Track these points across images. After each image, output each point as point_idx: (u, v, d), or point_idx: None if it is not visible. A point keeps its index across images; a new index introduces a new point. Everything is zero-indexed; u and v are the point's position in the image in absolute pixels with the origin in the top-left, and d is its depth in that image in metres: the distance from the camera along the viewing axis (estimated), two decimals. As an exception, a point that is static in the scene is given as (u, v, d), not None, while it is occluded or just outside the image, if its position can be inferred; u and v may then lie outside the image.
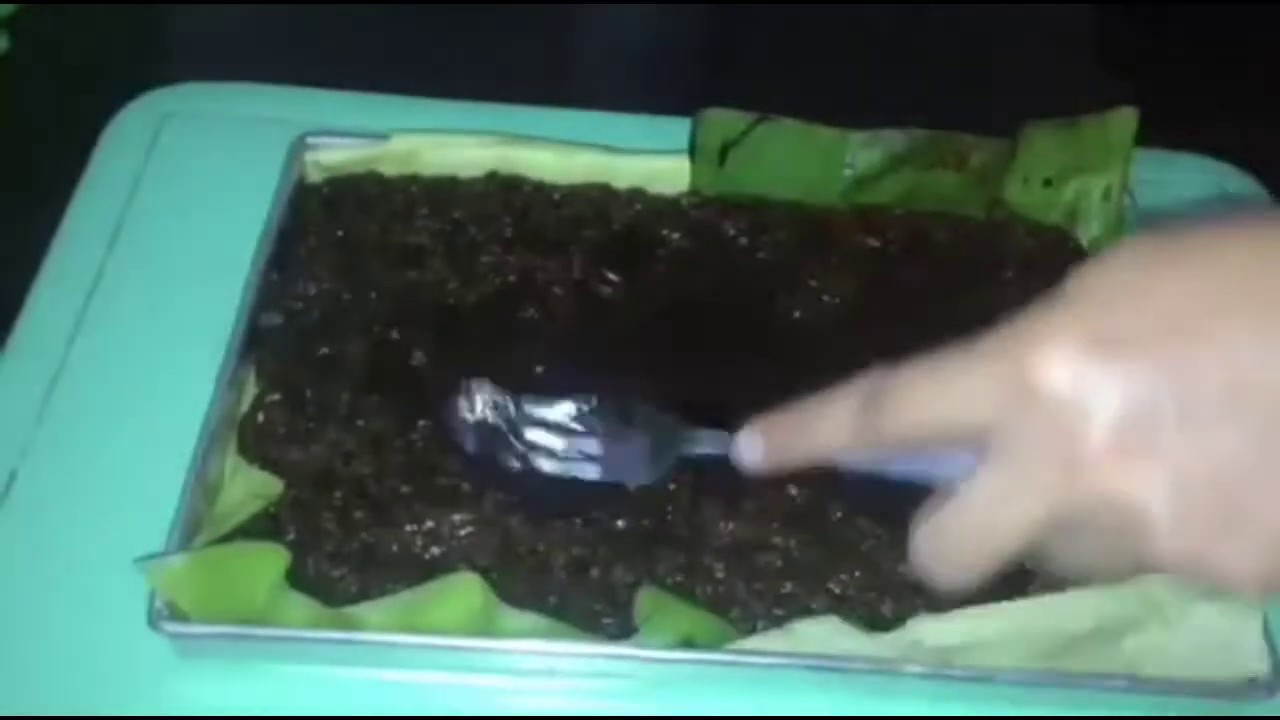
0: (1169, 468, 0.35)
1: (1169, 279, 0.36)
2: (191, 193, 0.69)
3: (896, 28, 0.90)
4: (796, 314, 0.65)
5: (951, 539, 0.38)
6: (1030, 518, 0.36)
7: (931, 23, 0.92)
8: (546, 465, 0.54)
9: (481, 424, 0.55)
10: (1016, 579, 0.55)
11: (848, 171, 0.69)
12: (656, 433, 0.54)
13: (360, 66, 0.74)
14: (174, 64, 0.79)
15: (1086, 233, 0.69)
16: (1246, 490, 0.34)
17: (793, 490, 0.57)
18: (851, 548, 0.56)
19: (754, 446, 0.44)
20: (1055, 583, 0.55)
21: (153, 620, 0.50)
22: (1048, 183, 0.69)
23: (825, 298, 0.66)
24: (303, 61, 0.75)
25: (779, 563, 0.56)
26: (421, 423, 0.58)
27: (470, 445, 0.55)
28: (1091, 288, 0.36)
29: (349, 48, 0.80)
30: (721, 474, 0.57)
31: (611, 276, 0.65)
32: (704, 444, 0.51)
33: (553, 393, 0.55)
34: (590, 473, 0.54)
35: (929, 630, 0.53)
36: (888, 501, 0.57)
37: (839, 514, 0.57)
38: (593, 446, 0.54)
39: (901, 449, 0.39)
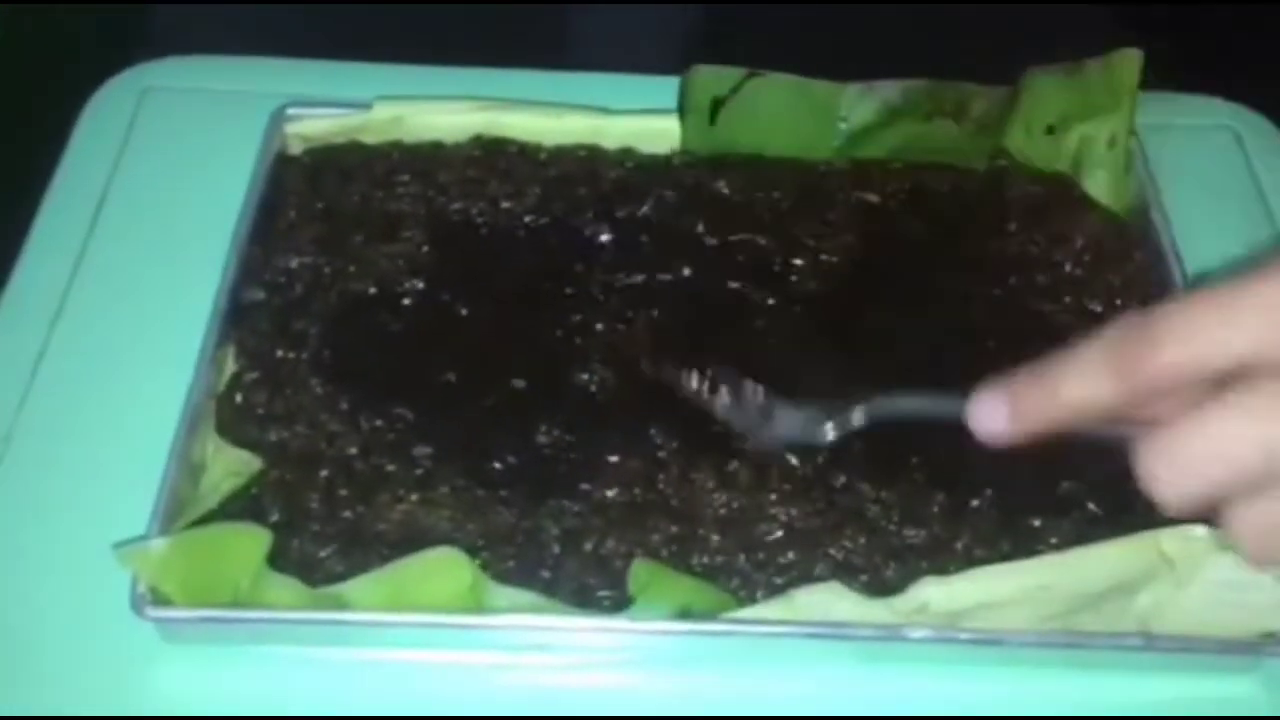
0: None
1: None
2: (173, 168, 0.68)
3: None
4: (794, 277, 0.63)
5: (1178, 460, 0.38)
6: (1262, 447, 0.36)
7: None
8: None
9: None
10: (1025, 538, 0.54)
11: (843, 125, 0.67)
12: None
13: (343, 36, 0.73)
14: (153, 39, 0.77)
15: (1092, 181, 0.67)
16: None
17: (790, 457, 0.56)
18: (853, 513, 0.55)
19: (997, 412, 0.42)
20: (1065, 542, 0.54)
21: (136, 606, 0.49)
22: (1050, 130, 0.67)
23: (824, 256, 0.64)
24: (286, 32, 0.74)
25: (778, 531, 0.54)
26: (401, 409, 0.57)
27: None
28: None
29: (332, 18, 0.78)
30: (710, 440, 0.56)
31: (603, 238, 0.63)
32: (905, 406, 0.50)
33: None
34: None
35: (936, 593, 0.52)
36: (889, 465, 0.56)
37: (840, 480, 0.56)
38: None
39: (1161, 390, 0.38)
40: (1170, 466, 0.38)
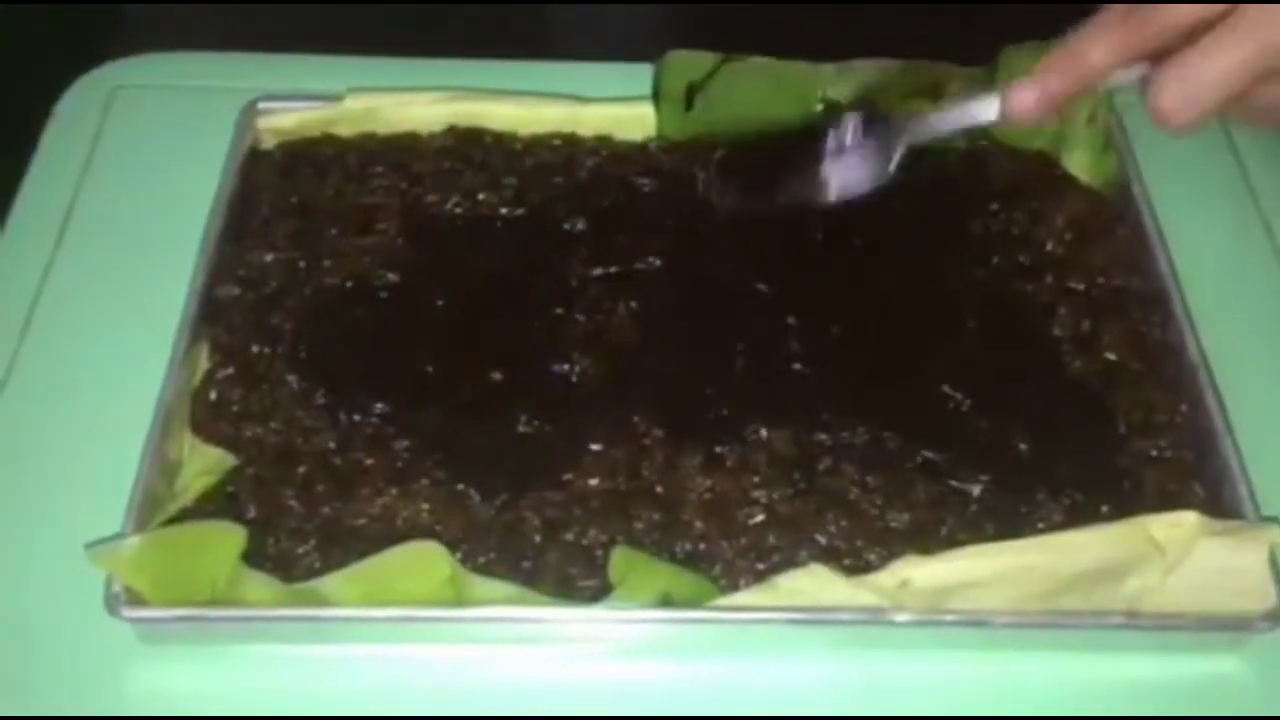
0: None
1: None
2: (145, 166, 0.67)
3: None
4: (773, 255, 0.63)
5: (1192, 80, 0.44)
6: (1252, 60, 0.43)
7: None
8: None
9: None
10: (1011, 524, 0.53)
11: (819, 107, 0.66)
12: (878, 133, 0.55)
13: (315, 29, 0.72)
14: (123, 37, 0.76)
15: (1072, 159, 0.67)
16: None
17: (775, 441, 0.55)
18: (837, 497, 0.54)
19: (1028, 92, 0.49)
20: (1051, 529, 0.53)
21: (110, 606, 0.49)
22: (1029, 108, 0.67)
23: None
24: (256, 27, 0.73)
25: (760, 515, 0.54)
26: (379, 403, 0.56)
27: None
28: None
29: (303, 10, 0.78)
30: (696, 424, 0.56)
31: (580, 225, 0.63)
32: (940, 122, 0.54)
33: None
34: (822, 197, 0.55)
35: (918, 571, 0.51)
36: (873, 448, 0.56)
37: (824, 464, 0.55)
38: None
39: (1165, 39, 0.45)
40: (1177, 94, 0.45)
